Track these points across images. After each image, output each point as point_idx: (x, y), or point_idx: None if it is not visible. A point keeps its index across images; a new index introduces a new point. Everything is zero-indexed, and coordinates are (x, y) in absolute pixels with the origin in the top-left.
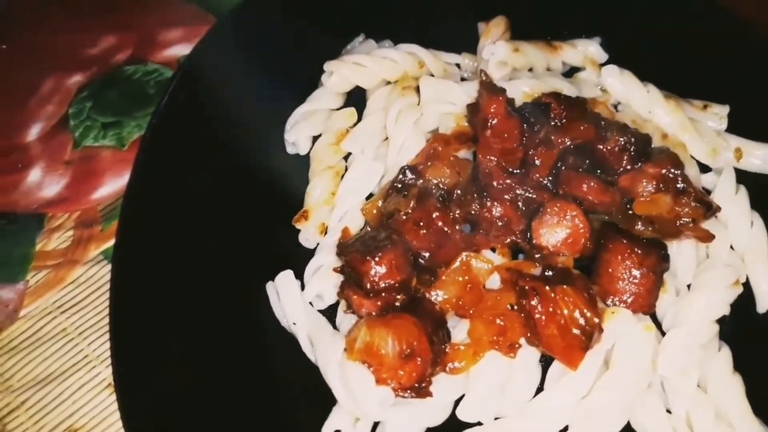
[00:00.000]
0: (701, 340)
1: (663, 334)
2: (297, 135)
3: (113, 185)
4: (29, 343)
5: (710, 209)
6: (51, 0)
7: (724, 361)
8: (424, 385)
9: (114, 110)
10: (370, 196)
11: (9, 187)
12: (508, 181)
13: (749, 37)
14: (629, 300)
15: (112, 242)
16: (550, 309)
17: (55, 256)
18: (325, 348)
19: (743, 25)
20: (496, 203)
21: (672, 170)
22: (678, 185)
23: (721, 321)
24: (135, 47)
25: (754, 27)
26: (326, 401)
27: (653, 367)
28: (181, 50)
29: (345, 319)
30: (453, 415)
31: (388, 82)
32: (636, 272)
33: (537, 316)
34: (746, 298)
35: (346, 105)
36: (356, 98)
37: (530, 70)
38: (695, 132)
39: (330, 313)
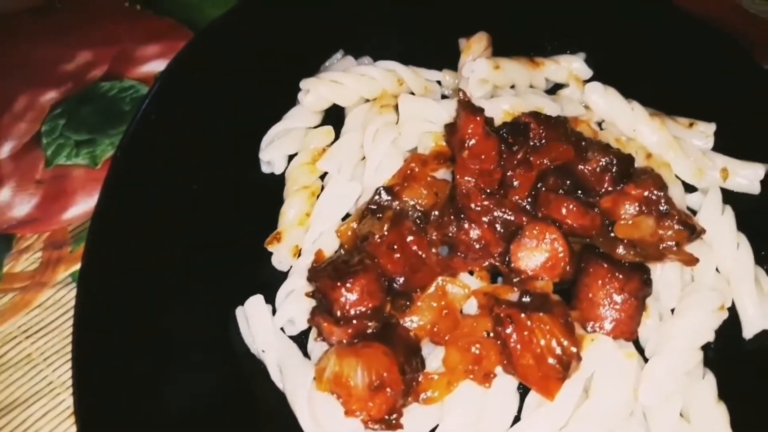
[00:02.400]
0: (685, 368)
1: (645, 359)
2: (272, 154)
3: (84, 205)
4: None
5: (694, 232)
6: (28, 14)
7: (708, 390)
8: (395, 416)
9: (88, 128)
10: (347, 216)
11: None
12: (486, 202)
13: (736, 55)
14: (610, 326)
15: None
16: (526, 337)
17: (22, 278)
18: (293, 377)
19: (730, 42)
20: (473, 225)
21: (655, 192)
22: (661, 207)
23: (705, 347)
24: (111, 63)
25: (741, 44)
26: (295, 431)
27: (635, 396)
28: (158, 66)
29: (316, 347)
30: None
31: (367, 100)
32: (617, 297)
33: (512, 344)
34: (731, 322)
35: (323, 123)
36: (334, 116)
37: (512, 86)
38: (681, 151)
39: (302, 338)
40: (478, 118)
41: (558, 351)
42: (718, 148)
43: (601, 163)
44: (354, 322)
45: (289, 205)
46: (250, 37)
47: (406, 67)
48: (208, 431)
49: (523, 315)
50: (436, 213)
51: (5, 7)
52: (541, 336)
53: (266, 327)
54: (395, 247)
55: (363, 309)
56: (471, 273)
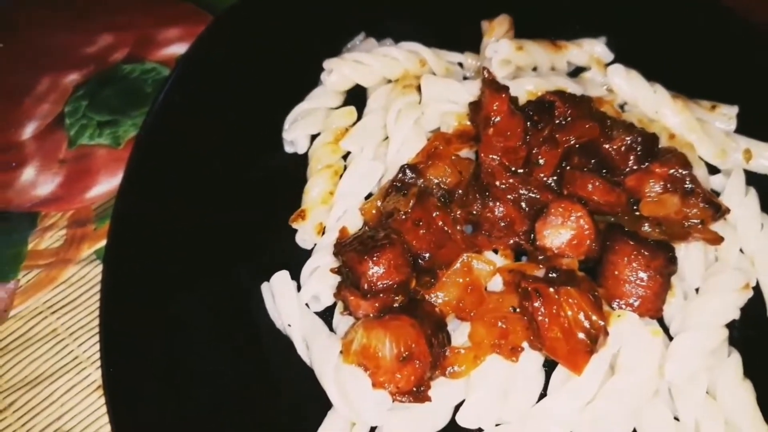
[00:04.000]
0: (710, 346)
1: (671, 338)
2: (295, 133)
3: (108, 184)
4: (19, 343)
5: (719, 211)
6: (49, 1)
7: (734, 367)
8: (422, 389)
9: (110, 109)
10: (369, 195)
11: (2, 185)
12: (510, 180)
13: (758, 38)
14: (636, 303)
15: (105, 242)
16: (554, 311)
17: (47, 255)
18: (320, 351)
19: (751, 25)
20: (498, 203)
21: (680, 170)
22: (686, 185)
23: (730, 326)
24: (132, 46)
25: (764, 27)
26: (322, 405)
27: (660, 373)
28: (179, 49)
29: (342, 321)
30: (453, 420)
31: (389, 81)
32: (643, 275)
33: (540, 318)
34: (756, 302)
35: (345, 103)
36: (356, 97)
37: (534, 69)
38: (703, 133)
39: (327, 315)
40: (503, 96)
41: (586, 324)
42: (740, 130)
43: (626, 142)
44: (380, 295)
45: (313, 184)
46: (272, 19)
47: (428, 48)
48: (233, 405)
49: (550, 289)
50: (460, 191)
51: None
52: (569, 309)
53: (292, 302)
54: (420, 223)
55: (389, 282)
56: (495, 252)
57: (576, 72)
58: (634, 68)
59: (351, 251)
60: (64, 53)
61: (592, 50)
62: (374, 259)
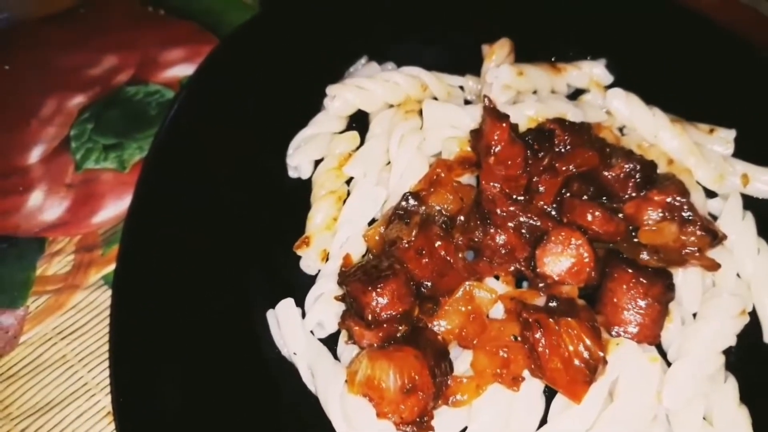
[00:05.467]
0: (707, 372)
1: (668, 363)
2: (299, 159)
3: (114, 209)
4: (29, 370)
5: (716, 238)
6: (53, 21)
7: (731, 393)
8: (426, 419)
9: (115, 132)
10: (373, 221)
11: (10, 210)
12: (511, 208)
13: (756, 61)
14: (634, 330)
15: (112, 267)
16: (554, 342)
17: (55, 281)
18: (325, 379)
19: (750, 48)
20: (499, 230)
21: (678, 198)
22: (684, 213)
23: (727, 351)
24: (136, 68)
25: (762, 50)
26: None
27: (658, 399)
28: (183, 71)
29: (346, 350)
30: None
31: (391, 105)
32: (641, 302)
33: (540, 349)
34: (753, 327)
35: (348, 128)
36: (359, 121)
37: (535, 92)
38: (701, 157)
39: (331, 341)
40: (504, 125)
41: (585, 355)
42: (738, 154)
43: (625, 169)
44: (384, 325)
45: (317, 210)
46: (275, 43)
47: (429, 72)
48: (241, 430)
49: (551, 320)
50: (462, 218)
51: (28, 14)
52: (569, 341)
53: (297, 330)
54: (423, 252)
55: (393, 313)
56: (497, 278)
57: (575, 95)
58: (633, 91)
59: (355, 281)
60: (69, 75)
61: (592, 72)
62: (378, 290)
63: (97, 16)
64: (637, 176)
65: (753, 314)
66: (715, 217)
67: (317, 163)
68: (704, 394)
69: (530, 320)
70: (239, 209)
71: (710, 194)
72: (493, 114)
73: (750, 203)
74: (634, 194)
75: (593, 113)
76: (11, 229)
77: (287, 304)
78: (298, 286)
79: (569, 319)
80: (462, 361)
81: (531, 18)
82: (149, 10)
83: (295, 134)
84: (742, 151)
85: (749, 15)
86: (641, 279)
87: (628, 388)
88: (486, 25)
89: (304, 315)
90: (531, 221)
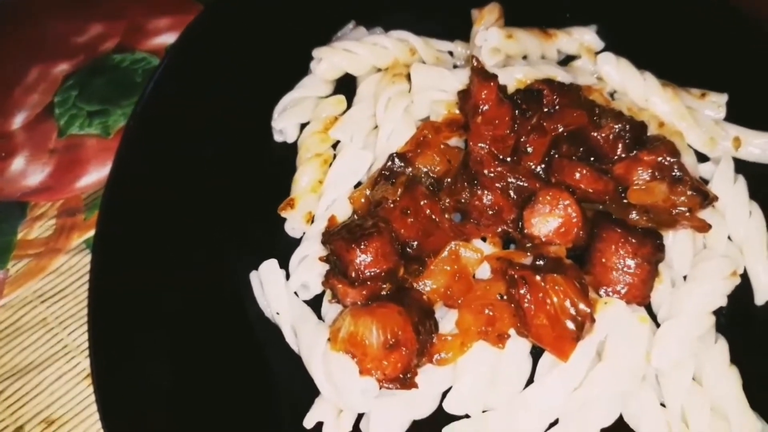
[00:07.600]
0: (697, 332)
1: (658, 325)
2: (284, 122)
3: (98, 174)
4: (9, 332)
5: (707, 198)
6: None
7: (721, 354)
8: (409, 376)
9: (100, 99)
10: (359, 184)
11: None
12: (499, 169)
13: (747, 25)
14: (623, 291)
15: (94, 231)
16: (540, 298)
17: (36, 245)
18: (308, 338)
19: (741, 13)
20: (486, 192)
21: (668, 158)
22: (674, 173)
23: (717, 312)
24: (123, 36)
25: (753, 15)
26: (310, 392)
27: (647, 360)
28: (169, 39)
29: (330, 309)
30: (440, 407)
31: (379, 70)
32: (630, 262)
33: (526, 305)
34: (744, 289)
35: (335, 92)
36: (346, 85)
37: (524, 58)
38: (693, 121)
39: (316, 303)
40: (491, 84)
41: (572, 311)
42: (730, 118)
43: (614, 130)
44: (368, 283)
45: (302, 173)
46: (261, 8)
47: (418, 36)
48: (222, 393)
49: (537, 276)
50: (449, 180)
51: None
52: (555, 296)
53: (280, 290)
54: (408, 211)
55: (377, 270)
56: (484, 239)
57: (566, 61)
58: (624, 57)
59: (339, 239)
60: (54, 43)
61: (582, 38)
62: (362, 247)
63: None
64: (626, 137)
65: (744, 276)
66: (706, 181)
67: (303, 126)
68: (694, 355)
69: (516, 277)
70: (222, 173)
71: (702, 159)
72: (481, 74)
73: (742, 167)
74: (623, 155)
75: (584, 78)
76: None
77: (270, 265)
78: (283, 249)
79: (556, 275)
80: (447, 321)
81: None
82: None
83: (280, 98)
84: (733, 116)
85: None
86: (630, 238)
87: (616, 347)
88: None
89: (288, 277)
90: (519, 182)
